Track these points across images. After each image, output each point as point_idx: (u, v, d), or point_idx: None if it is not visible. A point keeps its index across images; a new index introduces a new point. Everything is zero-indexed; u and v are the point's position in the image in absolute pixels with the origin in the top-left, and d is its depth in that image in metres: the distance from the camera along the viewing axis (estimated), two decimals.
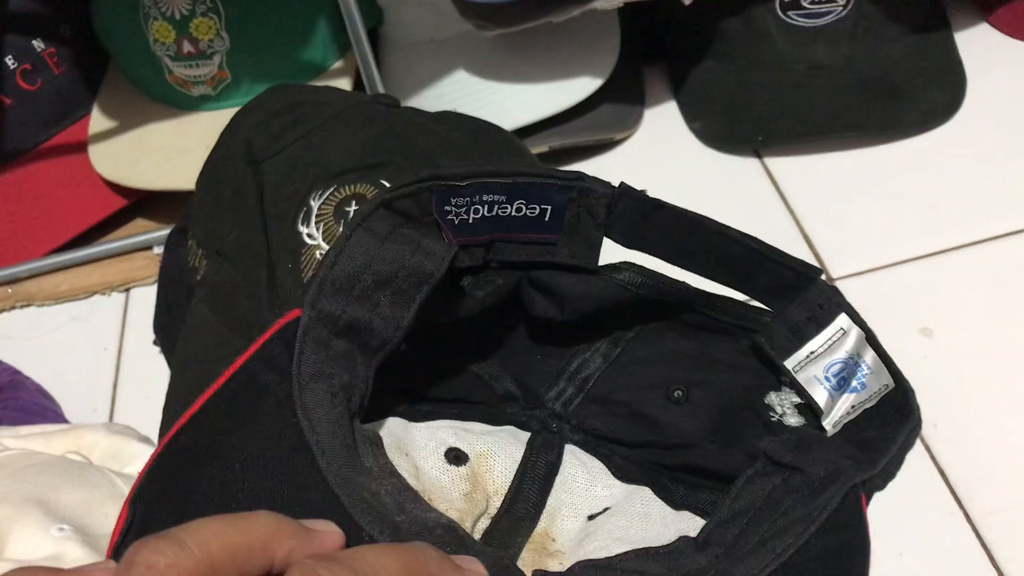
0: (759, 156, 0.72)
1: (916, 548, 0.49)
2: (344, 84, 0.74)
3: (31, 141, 0.77)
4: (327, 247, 0.48)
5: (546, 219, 0.41)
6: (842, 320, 0.40)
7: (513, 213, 0.41)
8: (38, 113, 0.76)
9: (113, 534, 0.33)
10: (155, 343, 0.64)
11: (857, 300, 0.59)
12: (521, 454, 0.45)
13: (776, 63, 0.73)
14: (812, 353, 0.40)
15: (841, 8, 0.71)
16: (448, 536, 0.31)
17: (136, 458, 0.54)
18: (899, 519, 0.50)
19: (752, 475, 0.37)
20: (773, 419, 0.42)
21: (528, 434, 0.47)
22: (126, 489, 0.51)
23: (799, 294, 0.40)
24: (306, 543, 0.26)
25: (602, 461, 0.46)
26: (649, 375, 0.46)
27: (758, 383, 0.43)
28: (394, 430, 0.43)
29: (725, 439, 0.44)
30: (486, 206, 0.40)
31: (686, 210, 0.41)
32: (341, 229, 0.47)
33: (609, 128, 0.74)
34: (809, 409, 0.40)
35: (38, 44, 0.75)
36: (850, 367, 0.39)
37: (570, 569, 0.33)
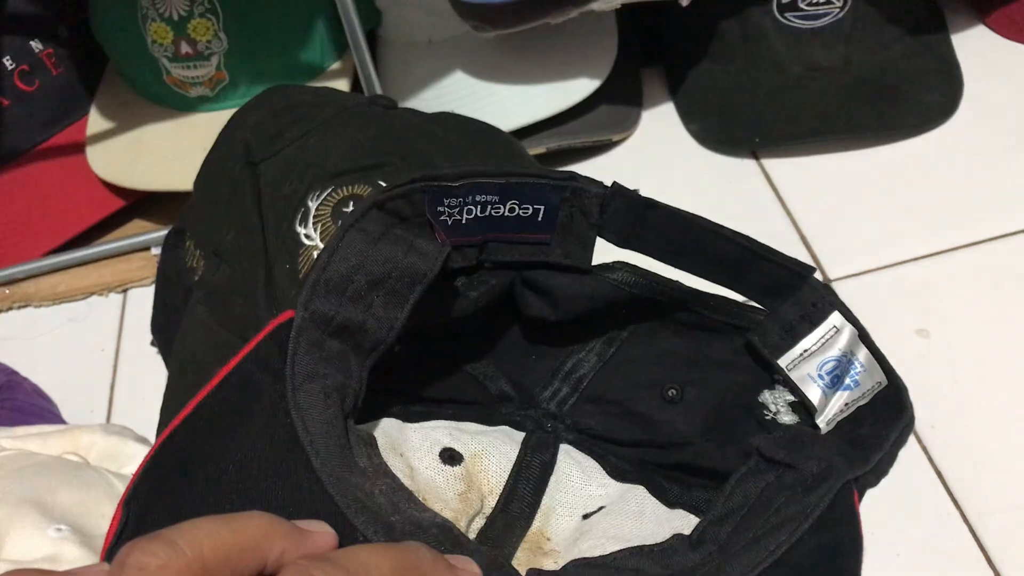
0: (756, 157, 0.72)
1: (913, 548, 0.49)
2: (342, 85, 0.74)
3: (29, 142, 0.77)
4: None
5: (539, 219, 0.41)
6: (835, 318, 0.40)
7: (506, 213, 0.41)
8: (36, 114, 0.76)
9: (107, 535, 0.33)
10: (152, 344, 0.64)
11: (854, 301, 0.59)
12: (516, 454, 0.45)
13: (773, 64, 0.73)
14: (805, 351, 0.40)
15: (838, 10, 0.71)
16: (443, 535, 0.31)
17: (133, 458, 0.54)
18: (896, 519, 0.50)
19: (745, 473, 0.37)
20: (767, 417, 0.42)
21: (523, 434, 0.47)
22: (123, 489, 0.51)
23: (792, 293, 0.40)
24: (299, 544, 0.26)
25: (597, 460, 0.46)
26: (643, 374, 0.46)
27: (752, 381, 0.43)
28: (388, 431, 0.43)
29: (719, 438, 0.44)
30: (479, 206, 0.40)
31: (679, 209, 0.41)
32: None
33: (607, 129, 0.74)
34: (803, 407, 0.40)
35: (36, 45, 0.75)
36: (843, 365, 0.39)
37: (564, 568, 0.33)
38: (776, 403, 0.41)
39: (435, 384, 0.47)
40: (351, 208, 0.50)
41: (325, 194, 0.51)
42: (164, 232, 0.71)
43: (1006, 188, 0.65)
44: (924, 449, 0.53)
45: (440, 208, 0.39)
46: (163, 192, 0.71)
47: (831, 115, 0.70)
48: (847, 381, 0.39)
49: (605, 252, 0.43)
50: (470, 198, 0.40)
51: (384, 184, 0.50)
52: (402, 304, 0.37)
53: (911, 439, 0.53)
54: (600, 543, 0.39)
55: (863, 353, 0.39)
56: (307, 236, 0.50)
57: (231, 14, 0.70)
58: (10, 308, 0.71)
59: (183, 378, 0.53)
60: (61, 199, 0.74)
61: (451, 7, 0.67)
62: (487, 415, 0.47)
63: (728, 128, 0.73)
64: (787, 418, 0.41)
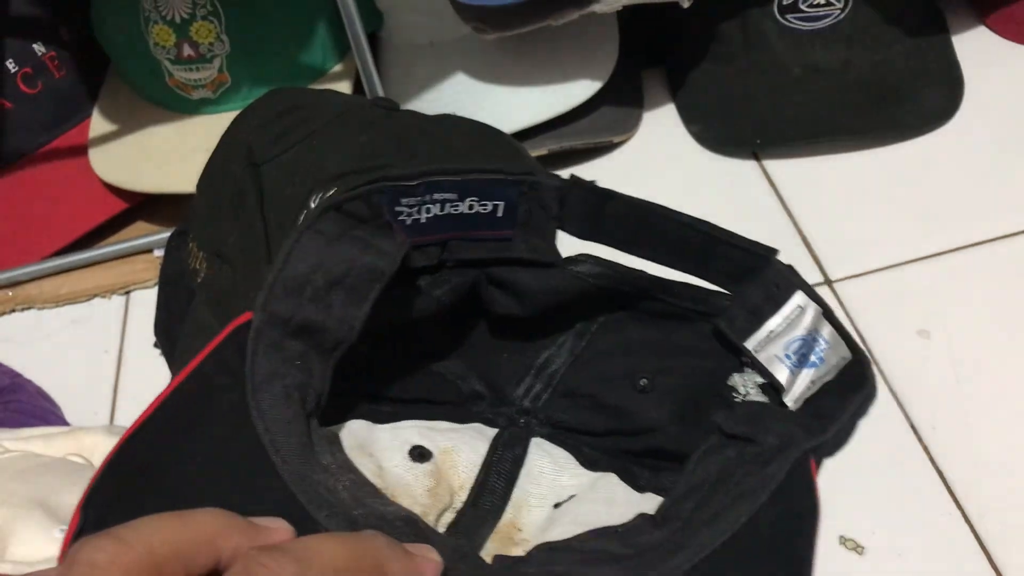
0: (757, 159, 0.72)
1: (915, 549, 0.49)
2: (344, 87, 0.74)
3: (32, 144, 0.77)
4: None
5: (499, 215, 0.42)
6: (799, 298, 0.40)
7: (465, 211, 0.41)
8: (39, 116, 0.76)
9: (64, 540, 0.33)
10: (156, 346, 0.64)
11: (855, 302, 0.60)
12: (487, 449, 0.45)
13: (774, 66, 0.73)
14: (771, 332, 0.40)
15: (839, 11, 0.71)
16: (407, 527, 0.31)
17: None
18: (898, 520, 0.50)
19: (707, 450, 0.37)
20: (737, 400, 0.42)
21: (495, 430, 0.47)
22: None
23: (756, 275, 0.41)
24: (253, 539, 0.26)
25: (570, 452, 0.46)
26: (615, 366, 0.47)
27: (721, 366, 0.43)
28: (357, 432, 0.43)
29: (691, 423, 0.44)
30: (438, 205, 0.40)
31: (637, 199, 0.41)
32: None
33: (608, 131, 0.74)
34: (772, 388, 0.41)
35: (39, 48, 0.75)
36: (808, 343, 0.40)
37: (530, 552, 0.34)
38: (746, 386, 0.42)
39: (406, 385, 0.47)
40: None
41: (327, 196, 0.51)
42: (167, 234, 0.71)
43: (1007, 188, 0.66)
44: (925, 449, 0.53)
45: (399, 208, 0.40)
46: (165, 194, 0.71)
47: (832, 116, 0.71)
48: (812, 359, 0.40)
49: (572, 246, 0.43)
50: (428, 197, 0.40)
51: None
52: (361, 303, 0.37)
53: (912, 441, 0.53)
54: (569, 529, 0.39)
55: (827, 330, 0.40)
56: None
57: (233, 17, 0.70)
58: (13, 310, 0.72)
59: None
60: (64, 201, 0.74)
61: (453, 9, 0.68)
62: (459, 414, 0.47)
63: (729, 129, 0.73)
64: (757, 400, 0.41)
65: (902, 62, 0.72)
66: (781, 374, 0.40)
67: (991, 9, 0.76)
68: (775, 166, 0.71)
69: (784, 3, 0.71)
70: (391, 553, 0.26)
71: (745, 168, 0.71)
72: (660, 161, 0.73)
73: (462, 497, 0.43)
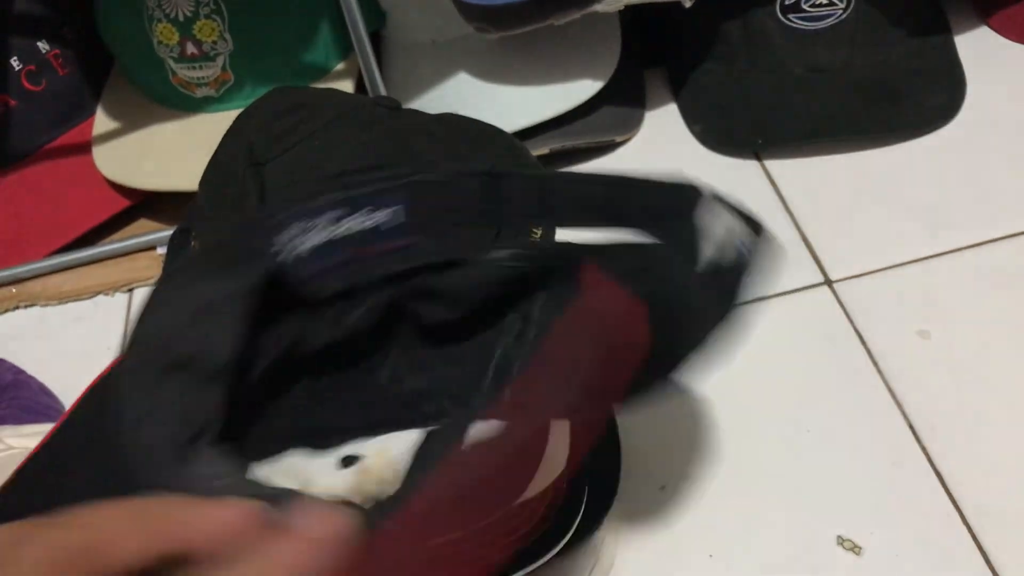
0: (759, 158, 0.72)
1: (913, 550, 0.49)
2: (346, 86, 0.74)
3: (36, 142, 0.77)
4: None
5: (396, 223, 0.40)
6: (725, 219, 0.38)
7: (360, 227, 0.39)
8: (43, 114, 0.77)
9: None
10: None
11: (856, 303, 0.60)
12: (424, 435, 0.42)
13: (776, 66, 0.73)
14: (709, 262, 0.38)
15: (841, 11, 0.71)
16: (278, 493, 0.30)
17: None
18: (896, 521, 0.50)
19: None
20: None
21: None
22: None
23: (677, 211, 0.38)
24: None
25: None
26: None
27: None
28: (293, 463, 0.41)
29: None
30: (328, 229, 0.38)
31: (530, 172, 0.39)
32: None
33: (610, 130, 0.74)
34: None
35: (43, 46, 0.76)
36: (742, 253, 0.38)
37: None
38: None
39: (367, 414, 0.44)
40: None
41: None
42: (169, 232, 0.71)
43: (1009, 190, 0.66)
44: (924, 450, 0.53)
45: (283, 238, 0.38)
46: (168, 192, 0.71)
47: (834, 116, 0.71)
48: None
49: None
50: (312, 221, 0.38)
51: None
52: (238, 328, 0.36)
53: (910, 441, 0.54)
54: None
55: (749, 233, 0.38)
56: None
57: (236, 15, 0.70)
58: (16, 307, 0.72)
59: None
60: (67, 199, 0.75)
61: (455, 8, 0.68)
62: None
63: (731, 129, 0.73)
64: None
65: (904, 62, 0.72)
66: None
67: (993, 9, 0.77)
68: (776, 166, 0.71)
69: (786, 3, 0.71)
70: (190, 512, 0.25)
71: (746, 167, 0.71)
72: (662, 160, 0.73)
73: (390, 490, 0.42)
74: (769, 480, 0.53)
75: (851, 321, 0.60)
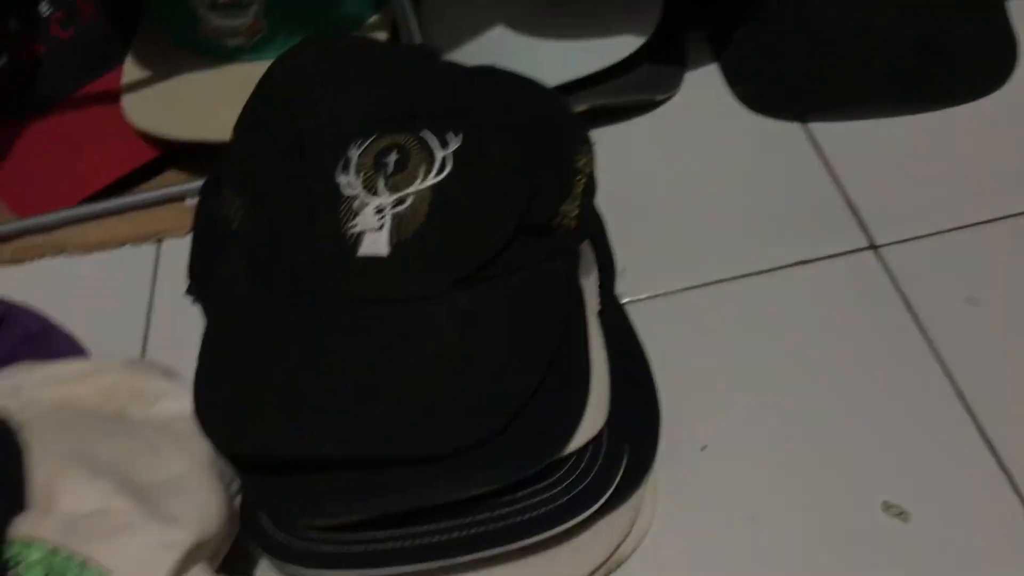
0: (803, 121, 0.70)
1: (961, 517, 0.48)
2: (380, 38, 0.73)
3: (64, 90, 0.76)
4: (366, 196, 0.48)
5: None
6: None
7: None
8: (72, 61, 0.75)
9: None
10: (187, 292, 0.63)
11: (902, 267, 0.59)
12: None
13: (822, 28, 0.71)
14: None
15: None
16: None
17: (163, 395, 0.53)
18: (944, 489, 0.49)
19: None
20: None
21: None
22: (160, 438, 0.50)
23: None
24: None
25: None
26: None
27: None
28: None
29: None
30: None
31: None
32: (380, 180, 0.47)
33: (650, 89, 0.72)
34: None
35: None
36: None
37: None
38: None
39: None
40: (393, 157, 0.49)
41: (367, 143, 0.50)
42: (199, 183, 0.70)
43: None
44: (973, 418, 0.52)
45: None
46: (198, 142, 0.70)
47: (881, 80, 0.69)
48: None
49: None
50: None
51: (426, 133, 0.49)
52: None
53: (959, 409, 0.52)
54: None
55: None
56: (349, 184, 0.49)
57: None
58: (43, 256, 0.71)
59: (219, 331, 0.52)
60: (95, 147, 0.74)
61: None
62: None
63: (774, 91, 0.72)
64: None
65: (956, 27, 0.70)
66: None
67: None
68: (821, 129, 0.69)
69: None
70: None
71: (790, 130, 0.70)
72: (703, 121, 0.71)
73: None
74: (813, 444, 0.52)
75: (897, 287, 0.58)
